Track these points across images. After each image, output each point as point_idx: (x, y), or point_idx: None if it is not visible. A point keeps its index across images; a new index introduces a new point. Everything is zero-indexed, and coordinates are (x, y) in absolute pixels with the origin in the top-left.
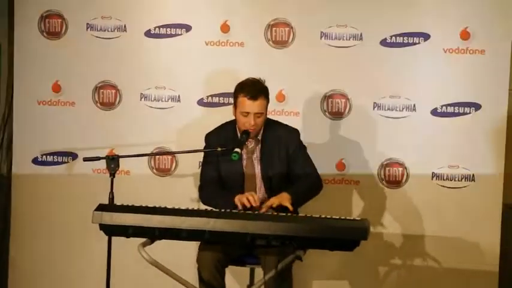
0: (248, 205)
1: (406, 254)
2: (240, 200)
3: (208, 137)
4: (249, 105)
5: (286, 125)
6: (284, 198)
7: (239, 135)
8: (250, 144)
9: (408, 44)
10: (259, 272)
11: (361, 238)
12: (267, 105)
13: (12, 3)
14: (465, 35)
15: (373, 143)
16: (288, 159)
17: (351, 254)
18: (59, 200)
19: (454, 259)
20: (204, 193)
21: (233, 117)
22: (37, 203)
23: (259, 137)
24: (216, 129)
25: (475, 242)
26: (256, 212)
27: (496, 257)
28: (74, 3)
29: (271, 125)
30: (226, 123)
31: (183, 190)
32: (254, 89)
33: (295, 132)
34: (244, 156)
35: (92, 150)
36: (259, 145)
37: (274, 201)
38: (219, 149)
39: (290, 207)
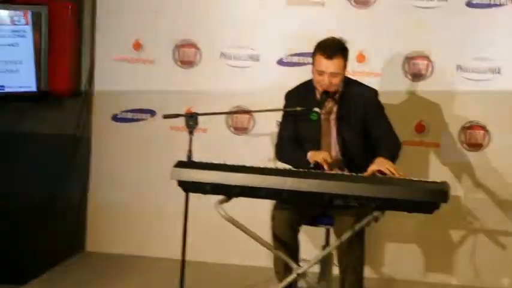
0: (321, 164)
1: (483, 219)
2: (312, 157)
3: (288, 95)
4: (325, 64)
5: (365, 84)
6: (385, 164)
7: (317, 94)
8: (328, 103)
9: (494, 5)
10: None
11: (442, 201)
12: (345, 65)
13: None
14: None
15: (454, 106)
16: (365, 120)
17: (424, 217)
18: (138, 157)
19: None
20: (280, 150)
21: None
22: (116, 161)
23: (337, 97)
24: (295, 87)
25: None
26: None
27: None
28: None
29: (349, 85)
30: (306, 82)
31: (260, 149)
32: (332, 48)
33: (373, 92)
34: (322, 117)
35: (171, 108)
36: (337, 105)
37: (374, 168)
38: (298, 108)
39: (396, 174)
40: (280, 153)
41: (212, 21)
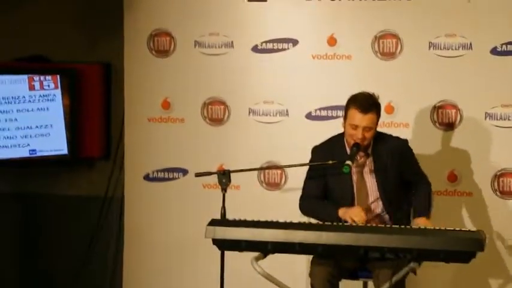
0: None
1: None
2: (343, 215)
3: (316, 150)
4: (359, 118)
5: (393, 135)
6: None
7: (347, 148)
8: (360, 158)
9: None
10: (371, 285)
11: (478, 249)
12: (378, 120)
13: (121, 24)
14: None
15: (485, 153)
16: (401, 168)
17: (462, 266)
18: (171, 216)
19: None
20: (305, 204)
21: (341, 131)
22: (149, 220)
23: (369, 151)
24: (323, 142)
25: None
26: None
27: None
28: (182, 21)
29: (380, 138)
30: (334, 136)
31: (293, 204)
32: (366, 102)
33: (404, 141)
34: (354, 170)
35: (202, 166)
36: (370, 158)
37: None
38: (330, 161)
39: None
40: (306, 207)
41: (239, 78)
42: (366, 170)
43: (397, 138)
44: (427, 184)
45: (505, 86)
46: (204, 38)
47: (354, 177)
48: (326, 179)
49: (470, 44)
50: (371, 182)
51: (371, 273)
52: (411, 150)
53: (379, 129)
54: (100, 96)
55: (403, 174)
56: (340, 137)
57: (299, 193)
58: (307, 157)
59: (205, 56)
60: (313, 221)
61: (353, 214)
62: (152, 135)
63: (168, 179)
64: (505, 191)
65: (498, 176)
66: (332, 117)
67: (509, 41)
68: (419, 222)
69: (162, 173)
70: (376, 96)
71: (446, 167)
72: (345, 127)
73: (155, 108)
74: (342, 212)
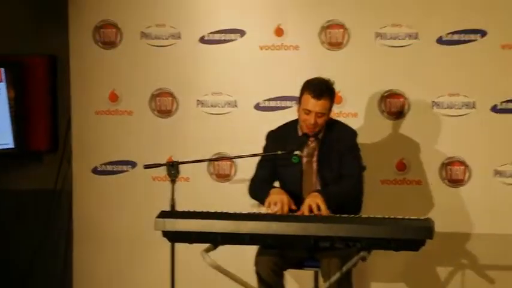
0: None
1: (467, 253)
2: (269, 204)
3: (270, 135)
4: (312, 103)
5: (346, 125)
6: (315, 199)
7: (300, 134)
8: (311, 143)
9: (465, 41)
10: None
11: (427, 237)
12: (331, 106)
13: (66, 16)
14: None
15: (433, 142)
16: (340, 159)
17: (410, 255)
18: (120, 209)
19: None
20: (253, 187)
21: (296, 117)
22: (98, 214)
23: (320, 137)
24: (278, 128)
25: None
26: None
27: None
28: (128, 12)
29: (331, 126)
30: (289, 122)
31: (243, 195)
32: (319, 88)
33: (351, 133)
34: (304, 158)
35: (151, 159)
36: (319, 146)
37: (303, 208)
38: (279, 152)
39: (323, 208)
40: (254, 190)
41: (187, 69)
42: (315, 157)
43: (348, 127)
44: (352, 182)
45: (452, 75)
46: (151, 29)
47: (304, 163)
48: (277, 164)
49: (417, 33)
50: (317, 170)
51: (318, 263)
52: (356, 144)
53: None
54: (46, 88)
55: (341, 166)
56: (295, 123)
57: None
58: (256, 148)
59: (152, 47)
60: (264, 210)
61: (272, 200)
62: (100, 128)
63: (117, 172)
64: (452, 179)
65: (446, 164)
66: (280, 108)
67: (455, 30)
68: (312, 195)
69: (111, 166)
70: (331, 82)
71: (395, 156)
72: (298, 112)
73: (102, 100)
74: (267, 202)
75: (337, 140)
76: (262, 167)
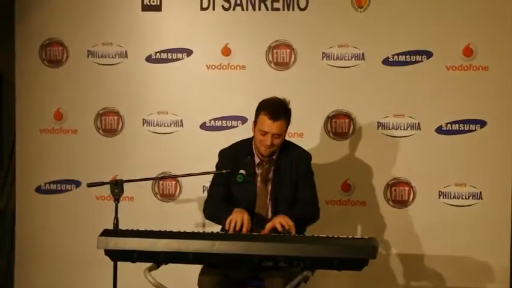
0: (238, 229)
1: (413, 274)
2: (230, 223)
3: (222, 153)
4: (269, 124)
5: (300, 147)
6: (280, 219)
7: (255, 154)
8: (266, 164)
9: (411, 63)
10: None
11: (370, 257)
12: (287, 127)
13: (13, 33)
14: (468, 52)
15: (378, 163)
16: (295, 182)
17: (355, 275)
18: (63, 229)
19: (462, 279)
20: (208, 207)
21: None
22: (41, 233)
23: (274, 157)
24: (230, 146)
25: (484, 261)
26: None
27: (507, 276)
28: (75, 30)
29: (286, 147)
30: (243, 140)
31: (187, 215)
32: (277, 109)
33: (307, 156)
34: (259, 177)
35: (96, 178)
36: (273, 167)
37: (269, 225)
38: (224, 171)
39: (290, 222)
40: (209, 211)
41: (133, 88)
42: (270, 177)
43: (303, 150)
44: (312, 209)
45: (397, 96)
46: (97, 48)
47: (258, 184)
48: (230, 184)
49: (363, 54)
50: (271, 191)
51: (262, 282)
52: (310, 167)
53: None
54: None
55: (297, 189)
56: (248, 142)
57: (194, 204)
58: (202, 167)
59: (98, 66)
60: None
61: (233, 218)
62: (44, 147)
63: (61, 191)
64: (397, 200)
65: (390, 185)
66: (227, 127)
67: (401, 51)
68: (278, 216)
69: (55, 185)
70: (287, 103)
71: (340, 176)
72: (254, 132)
73: (47, 119)
74: (228, 221)
75: (292, 162)
76: (217, 185)
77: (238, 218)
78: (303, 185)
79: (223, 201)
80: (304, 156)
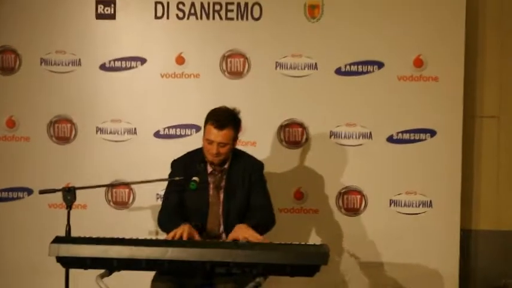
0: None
1: (364, 282)
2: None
3: (174, 163)
4: (214, 133)
5: (253, 156)
6: (244, 232)
7: (207, 163)
8: (218, 173)
9: (363, 73)
10: None
11: (322, 263)
12: (235, 136)
13: None
14: (418, 63)
15: (331, 171)
16: (248, 191)
17: (308, 281)
18: (15, 237)
19: (413, 286)
20: (161, 218)
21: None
22: None
23: (226, 167)
24: (182, 156)
25: (434, 268)
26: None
27: (456, 282)
28: (28, 38)
29: (238, 156)
30: (194, 150)
31: (140, 223)
32: (222, 118)
33: (259, 165)
34: (211, 186)
35: (48, 185)
36: (225, 176)
37: (232, 235)
38: (177, 178)
39: (258, 237)
40: (161, 221)
41: (86, 96)
42: (222, 186)
43: (254, 159)
44: (268, 216)
45: (349, 106)
46: (51, 56)
47: (210, 192)
48: (184, 193)
49: (316, 64)
50: (223, 200)
51: None
52: (263, 175)
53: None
54: None
55: (250, 197)
56: (200, 151)
57: (147, 212)
58: (156, 175)
59: (51, 73)
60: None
61: (175, 231)
62: None
63: (13, 199)
64: (349, 208)
65: (342, 193)
66: (181, 136)
67: (354, 61)
68: (239, 227)
69: (6, 193)
70: (236, 112)
71: (293, 185)
72: (203, 141)
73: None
74: (170, 236)
75: (244, 171)
76: (170, 196)
77: (179, 231)
78: (257, 192)
79: (176, 212)
80: (256, 165)
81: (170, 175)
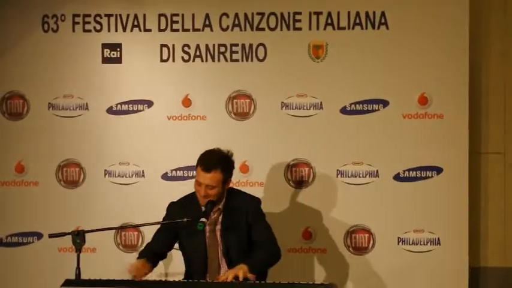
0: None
1: None
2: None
3: (171, 206)
4: (202, 176)
5: (247, 193)
6: (239, 270)
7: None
8: (214, 214)
9: (368, 111)
10: None
11: None
12: (225, 178)
13: None
14: (423, 100)
15: (338, 210)
16: (247, 228)
17: None
18: (26, 282)
19: None
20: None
21: None
22: (4, 286)
23: (220, 207)
24: (180, 199)
25: None
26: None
27: None
28: (36, 83)
29: (232, 195)
30: (190, 193)
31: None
32: (210, 161)
33: (255, 200)
34: (207, 228)
35: (58, 230)
36: (221, 215)
37: (229, 275)
38: (184, 219)
39: (247, 276)
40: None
41: (94, 139)
42: (218, 226)
43: (250, 196)
44: (273, 249)
45: (355, 144)
46: (58, 100)
47: (207, 234)
48: (179, 236)
49: (321, 103)
50: (221, 239)
51: None
52: (260, 210)
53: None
54: None
55: (251, 234)
56: (195, 194)
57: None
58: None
59: (59, 118)
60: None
61: (132, 268)
62: (6, 199)
63: (23, 244)
64: (357, 246)
65: (350, 232)
66: (188, 178)
67: (358, 100)
68: (237, 266)
69: (17, 238)
70: (227, 154)
71: (301, 224)
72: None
73: (8, 171)
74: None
75: (240, 209)
76: (155, 235)
77: (133, 265)
78: (257, 228)
79: (148, 250)
80: (252, 201)
81: (165, 218)
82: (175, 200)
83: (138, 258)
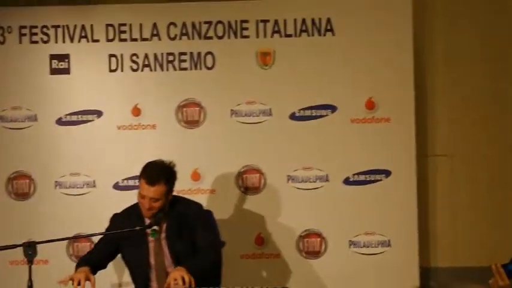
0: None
1: None
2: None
3: (114, 217)
4: (146, 189)
5: (189, 199)
6: (181, 271)
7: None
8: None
9: (316, 117)
10: None
11: None
12: (168, 190)
13: None
14: (370, 105)
15: (289, 215)
16: (192, 233)
17: None
18: None
19: None
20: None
21: None
22: None
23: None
24: (123, 210)
25: None
26: None
27: None
28: None
29: (175, 202)
30: (133, 204)
31: (103, 276)
32: (153, 174)
33: (196, 206)
34: (149, 238)
35: (9, 242)
36: (165, 224)
37: (169, 280)
38: (137, 227)
39: (187, 280)
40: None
41: (44, 151)
42: (163, 234)
43: (192, 202)
44: (210, 252)
45: (305, 150)
46: (7, 112)
47: (151, 244)
48: (121, 248)
49: (270, 110)
50: (166, 247)
51: None
52: (204, 215)
53: (185, 195)
54: None
55: (196, 240)
56: (138, 205)
57: (109, 265)
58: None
59: (8, 130)
60: None
61: (74, 275)
62: None
63: None
64: (309, 251)
65: (302, 236)
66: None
67: (307, 106)
68: (176, 268)
69: None
70: (170, 165)
71: (253, 230)
72: (138, 194)
73: None
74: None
75: (183, 215)
76: (98, 243)
77: (76, 277)
78: (198, 233)
79: (89, 258)
80: (192, 207)
81: (108, 229)
82: (118, 212)
83: (78, 264)
